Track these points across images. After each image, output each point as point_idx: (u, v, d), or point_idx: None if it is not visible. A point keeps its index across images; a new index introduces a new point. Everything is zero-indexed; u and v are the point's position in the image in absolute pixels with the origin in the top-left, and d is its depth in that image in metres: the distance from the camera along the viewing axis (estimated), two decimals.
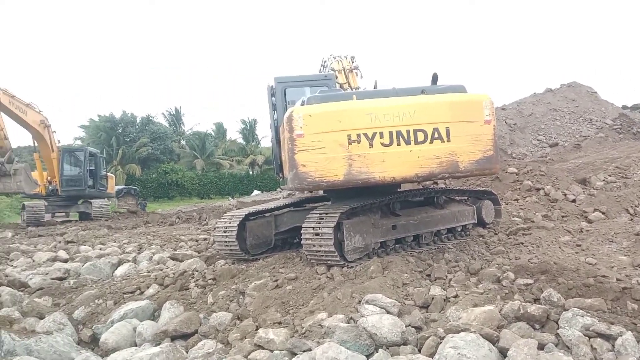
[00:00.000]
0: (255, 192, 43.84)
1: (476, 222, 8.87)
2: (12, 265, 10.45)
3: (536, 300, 5.17)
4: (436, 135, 6.46)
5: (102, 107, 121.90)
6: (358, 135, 6.35)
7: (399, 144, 6.40)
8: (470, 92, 6.95)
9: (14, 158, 19.08)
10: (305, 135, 6.30)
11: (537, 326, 4.60)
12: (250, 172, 54.54)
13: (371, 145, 6.36)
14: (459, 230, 8.56)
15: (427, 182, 11.75)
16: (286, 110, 8.26)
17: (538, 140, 27.43)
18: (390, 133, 6.39)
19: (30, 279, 8.81)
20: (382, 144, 6.38)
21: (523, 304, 4.84)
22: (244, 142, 60.08)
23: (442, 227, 8.13)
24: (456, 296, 5.51)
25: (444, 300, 5.46)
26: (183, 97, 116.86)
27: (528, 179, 13.02)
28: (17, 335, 5.49)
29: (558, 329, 4.44)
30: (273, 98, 9.03)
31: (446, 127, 6.47)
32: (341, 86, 11.25)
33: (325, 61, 12.45)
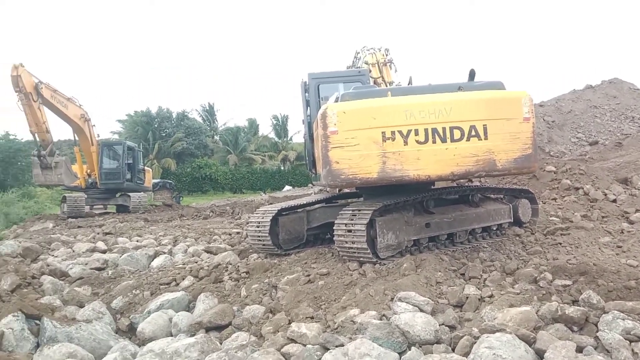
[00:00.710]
0: (287, 187, 44.09)
1: (512, 221, 8.69)
2: (53, 255, 10.83)
3: (575, 302, 5.05)
4: (473, 132, 6.34)
5: (139, 102, 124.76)
6: (393, 133, 6.29)
7: (434, 142, 6.31)
8: (509, 89, 6.81)
9: (55, 151, 19.63)
10: (339, 132, 6.27)
11: (575, 328, 4.49)
12: (282, 168, 54.88)
13: (406, 143, 6.29)
14: (495, 229, 8.41)
15: (462, 180, 11.56)
16: (320, 106, 8.29)
17: (577, 138, 26.64)
18: (426, 130, 6.31)
19: (71, 268, 9.11)
20: (417, 142, 6.30)
21: (561, 305, 4.72)
22: (276, 138, 60.45)
23: (477, 226, 8.00)
24: (491, 296, 5.42)
25: (479, 299, 5.38)
26: (218, 93, 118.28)
27: (567, 178, 12.67)
28: (59, 323, 5.70)
29: (597, 331, 4.32)
30: (306, 94, 9.04)
31: (483, 125, 6.35)
32: (375, 81, 11.09)
33: (359, 53, 12.20)
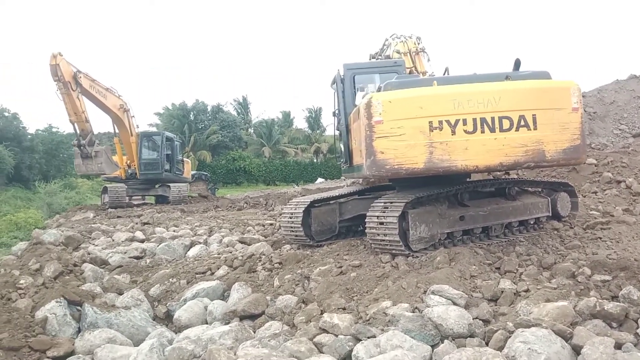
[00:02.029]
0: (320, 179, 44.19)
1: (550, 214, 8.47)
2: (93, 244, 11.19)
3: (614, 298, 4.92)
4: (522, 122, 6.23)
5: (176, 95, 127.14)
6: (440, 122, 6.19)
7: (483, 132, 6.21)
8: (555, 79, 6.66)
9: (95, 141, 19.75)
10: (384, 122, 6.19)
11: (614, 324, 4.38)
12: (315, 160, 55.02)
13: (454, 133, 6.19)
14: (532, 223, 8.21)
15: (498, 173, 11.31)
16: (355, 97, 8.23)
17: (620, 129, 25.68)
18: (474, 120, 6.20)
19: (110, 257, 9.41)
20: (466, 132, 6.20)
21: (599, 301, 4.61)
22: (309, 131, 60.58)
23: (514, 220, 7.84)
24: (527, 290, 5.32)
25: (514, 294, 5.29)
26: (251, 86, 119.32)
27: (608, 171, 12.26)
28: (99, 309, 5.91)
29: (637, 328, 4.22)
30: (341, 85, 8.97)
31: (533, 115, 6.23)
32: (410, 70, 10.87)
33: (387, 40, 11.82)
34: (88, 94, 19.03)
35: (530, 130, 6.23)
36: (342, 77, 8.65)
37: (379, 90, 6.78)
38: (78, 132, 19.12)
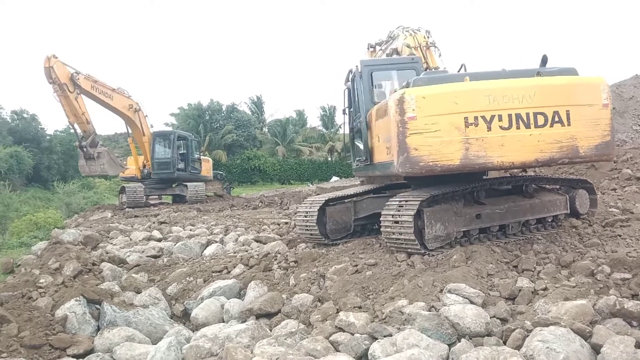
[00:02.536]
0: (334, 178, 44.17)
1: (569, 212, 8.36)
2: (112, 243, 11.34)
3: (634, 296, 4.85)
4: (556, 118, 6.20)
5: (192, 95, 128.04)
6: (475, 118, 6.13)
7: (518, 128, 6.16)
8: (582, 75, 6.66)
9: (98, 142, 19.83)
10: (418, 118, 6.12)
11: (634, 323, 4.30)
12: (329, 159, 54.99)
13: (489, 129, 6.14)
14: (550, 220, 8.12)
15: (515, 170, 11.19)
16: (372, 93, 8.14)
17: (639, 125, 25.27)
18: (510, 116, 6.15)
19: (128, 256, 9.52)
20: (501, 127, 6.15)
21: (619, 299, 4.54)
22: (324, 129, 60.58)
23: (531, 217, 7.76)
24: (545, 289, 5.26)
25: (532, 292, 5.24)
26: (265, 85, 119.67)
27: (627, 167, 12.08)
28: (118, 308, 5.99)
29: None
30: (359, 82, 8.73)
31: (567, 111, 6.20)
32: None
33: (392, 32, 11.49)
34: (91, 95, 18.89)
35: (564, 126, 6.21)
36: (360, 73, 8.50)
37: (407, 86, 6.68)
38: (80, 134, 19.08)
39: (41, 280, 6.90)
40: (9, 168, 30.10)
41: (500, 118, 6.13)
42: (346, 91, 9.40)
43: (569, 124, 6.19)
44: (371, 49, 14.18)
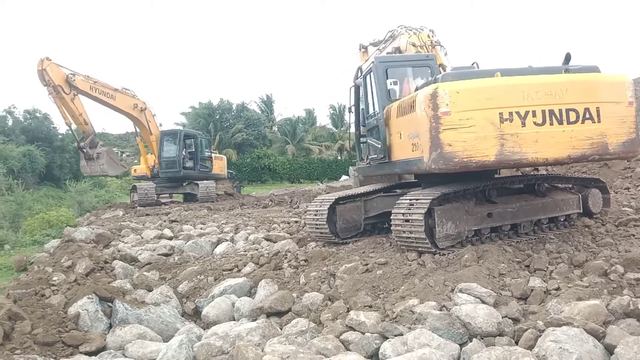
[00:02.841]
0: (344, 177, 44.10)
1: (581, 211, 8.29)
2: (123, 241, 11.43)
3: None
4: (587, 115, 6.21)
5: (202, 94, 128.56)
6: (510, 114, 6.09)
7: (551, 124, 6.15)
8: (604, 73, 6.67)
9: (98, 142, 19.90)
10: (452, 113, 6.05)
11: None
12: (339, 158, 54.94)
13: (524, 125, 6.10)
14: (562, 220, 8.05)
15: (527, 169, 11.09)
16: (387, 90, 8.00)
17: None
18: (543, 112, 6.14)
19: (140, 254, 9.58)
20: (535, 123, 6.13)
21: (633, 299, 4.49)
22: (333, 128, 60.53)
23: (543, 216, 7.70)
24: (558, 289, 5.22)
25: (544, 292, 5.20)
26: (275, 83, 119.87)
27: None
28: (130, 305, 6.03)
29: None
30: (374, 78, 8.43)
31: (597, 108, 6.21)
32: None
33: (392, 31, 11.23)
34: (90, 96, 18.90)
35: (595, 123, 6.22)
36: (375, 70, 8.32)
37: (435, 81, 6.59)
38: (79, 134, 19.18)
39: (54, 278, 6.97)
40: (22, 167, 30.45)
41: (534, 114, 6.11)
42: (353, 89, 9.33)
43: (599, 121, 6.20)
44: (363, 50, 13.89)
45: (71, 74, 18.24)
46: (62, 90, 17.92)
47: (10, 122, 37.77)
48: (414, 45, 10.05)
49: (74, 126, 19.48)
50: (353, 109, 9.44)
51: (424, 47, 10.13)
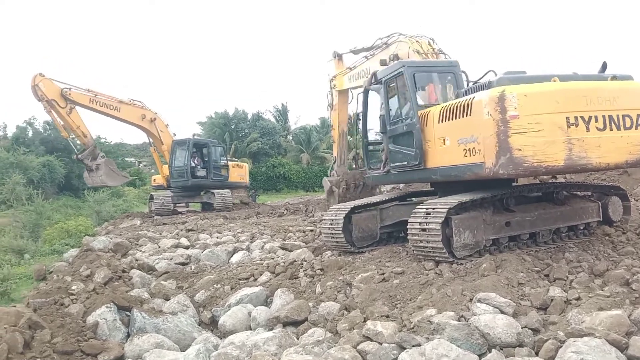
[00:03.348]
0: None
1: (601, 219, 8.15)
2: (141, 251, 11.52)
3: None
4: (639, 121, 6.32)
5: (219, 104, 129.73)
6: (576, 118, 6.10)
7: (611, 129, 6.22)
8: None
9: (99, 153, 20.07)
10: (521, 117, 6.00)
11: None
12: (353, 166, 54.90)
13: (588, 129, 6.13)
14: (582, 228, 7.93)
15: (545, 177, 10.95)
16: (416, 95, 7.85)
17: None
18: (604, 117, 6.20)
19: (157, 263, 9.66)
20: (597, 129, 6.17)
21: None
22: (348, 137, 60.57)
23: (562, 225, 7.58)
24: (578, 298, 5.13)
25: (565, 302, 5.11)
26: (290, 92, 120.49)
27: None
28: (147, 314, 6.07)
29: None
30: (403, 83, 8.14)
31: None
32: None
33: (388, 39, 10.94)
34: (91, 109, 19.13)
35: None
36: (407, 74, 7.99)
37: (490, 86, 6.57)
38: (79, 147, 19.49)
39: (73, 287, 7.04)
40: (42, 177, 30.93)
41: (596, 119, 6.16)
42: (362, 95, 9.21)
43: None
44: (337, 58, 14.16)
45: (66, 88, 18.53)
46: (57, 104, 18.29)
47: (30, 134, 38.45)
48: (417, 52, 9.89)
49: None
50: (361, 115, 9.35)
51: (428, 54, 9.99)
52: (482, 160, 6.40)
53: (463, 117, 6.68)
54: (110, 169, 20.30)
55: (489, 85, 6.57)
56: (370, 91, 9.25)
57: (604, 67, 6.96)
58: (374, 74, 8.99)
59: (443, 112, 7.16)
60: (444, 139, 7.21)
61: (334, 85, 14.40)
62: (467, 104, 6.58)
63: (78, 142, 21.01)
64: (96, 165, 19.64)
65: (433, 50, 10.32)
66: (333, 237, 8.83)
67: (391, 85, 8.49)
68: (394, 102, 8.53)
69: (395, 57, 10.26)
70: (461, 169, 6.84)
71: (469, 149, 6.63)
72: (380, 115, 8.77)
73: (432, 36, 10.58)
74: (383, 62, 10.17)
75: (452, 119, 6.95)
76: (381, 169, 8.95)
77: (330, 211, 9.31)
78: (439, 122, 7.27)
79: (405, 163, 8.00)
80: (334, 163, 14.98)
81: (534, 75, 6.92)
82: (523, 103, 6.00)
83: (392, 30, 12.56)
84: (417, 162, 7.68)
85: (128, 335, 5.85)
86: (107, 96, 19.70)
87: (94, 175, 19.87)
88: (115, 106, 19.81)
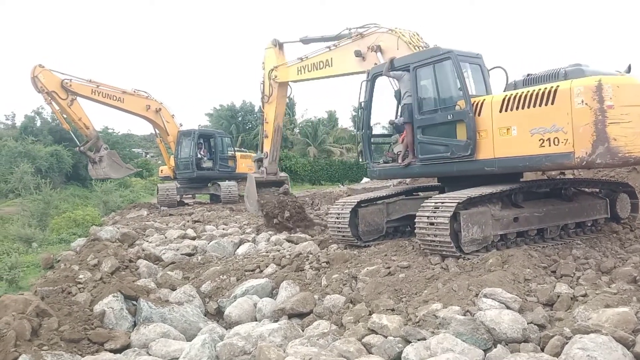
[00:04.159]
0: (365, 179, 43.98)
1: (609, 216, 8.12)
2: (147, 241, 11.58)
3: None
4: None
5: (226, 96, 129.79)
6: None
7: None
8: None
9: (102, 145, 19.97)
10: (615, 107, 6.05)
11: None
12: (360, 160, 54.82)
13: None
14: (589, 225, 7.89)
15: (553, 172, 10.89)
16: (466, 83, 7.53)
17: None
18: None
19: (164, 253, 9.70)
20: None
21: None
22: (355, 130, 60.43)
23: (570, 221, 7.56)
24: (585, 295, 5.11)
25: (571, 298, 5.10)
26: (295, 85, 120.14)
27: None
28: (154, 304, 6.10)
29: None
30: (454, 70, 7.68)
31: None
32: None
33: (361, 31, 10.07)
34: (93, 100, 18.92)
35: None
36: (456, 62, 7.62)
37: (565, 77, 6.61)
38: (79, 138, 19.32)
39: (80, 276, 7.10)
40: (50, 167, 31.06)
41: None
42: (367, 84, 8.84)
43: None
44: (277, 46, 12.93)
45: (67, 79, 18.29)
46: (58, 95, 18.09)
47: (38, 123, 38.58)
48: (409, 44, 9.19)
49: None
50: (363, 104, 8.92)
51: (418, 48, 9.20)
52: (570, 150, 6.27)
53: (540, 106, 6.52)
54: (114, 160, 20.11)
55: (565, 77, 6.57)
56: (375, 80, 8.87)
57: (630, 68, 6.99)
58: (392, 60, 8.56)
59: (507, 101, 6.92)
60: (507, 129, 6.99)
61: (275, 77, 12.96)
62: (548, 93, 6.44)
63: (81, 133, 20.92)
64: (99, 157, 19.55)
65: (425, 44, 9.56)
66: (339, 231, 8.83)
67: (424, 72, 8.07)
68: (426, 90, 8.17)
69: (378, 48, 9.68)
70: (536, 159, 6.65)
71: (549, 139, 6.48)
72: (405, 104, 8.32)
73: (415, 30, 9.84)
74: (358, 53, 9.90)
75: (521, 108, 6.74)
76: (398, 161, 8.56)
77: (337, 205, 9.29)
78: (500, 112, 7.02)
79: (448, 154, 7.61)
80: (264, 159, 13.84)
81: (599, 70, 6.90)
82: (616, 94, 6.05)
83: (363, 22, 11.28)
84: (468, 153, 7.32)
85: (134, 325, 5.89)
86: (110, 87, 19.41)
87: (97, 168, 19.80)
88: (118, 97, 19.46)
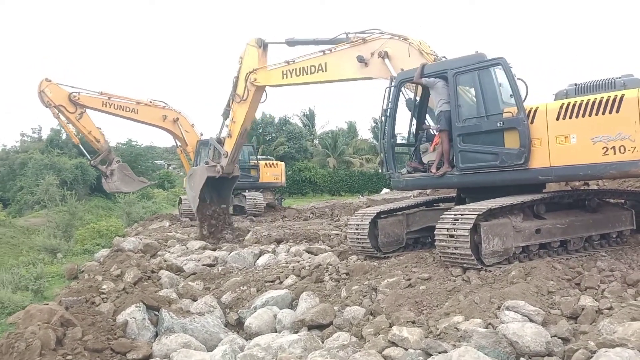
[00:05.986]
0: (385, 190, 43.80)
1: (635, 228, 7.95)
2: (169, 252, 11.71)
3: None
4: None
5: None
6: None
7: None
8: None
9: (113, 158, 19.46)
10: None
11: None
12: (380, 171, 54.65)
13: None
14: (614, 236, 7.73)
15: (577, 183, 10.71)
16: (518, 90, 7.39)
17: None
18: None
19: (185, 264, 9.80)
20: None
21: None
22: (375, 141, 60.38)
23: (594, 233, 7.42)
24: (610, 308, 5.00)
25: (596, 312, 4.99)
26: (317, 95, 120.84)
27: None
28: (175, 314, 6.17)
29: None
30: (504, 75, 7.53)
31: None
32: None
33: (364, 36, 9.74)
34: (105, 112, 18.59)
35: None
36: (507, 67, 7.45)
37: (623, 86, 6.68)
38: (96, 153, 19.12)
39: (103, 286, 7.22)
40: (74, 178, 31.74)
41: None
42: (392, 90, 8.53)
43: None
44: (261, 47, 12.04)
45: (75, 92, 17.94)
46: (66, 109, 17.73)
47: (64, 136, 39.42)
48: (421, 52, 8.96)
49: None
50: (389, 112, 8.60)
51: (430, 55, 9.03)
52: (637, 158, 6.29)
53: (604, 114, 6.51)
54: (125, 174, 19.57)
55: (626, 85, 6.64)
56: (401, 86, 8.62)
57: None
58: (423, 66, 8.27)
59: (565, 108, 6.86)
60: (565, 137, 6.91)
61: (254, 80, 12.09)
62: (612, 101, 6.44)
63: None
64: (110, 170, 19.15)
65: (435, 54, 9.33)
66: (359, 242, 8.81)
67: (467, 79, 7.92)
68: (468, 97, 8.02)
69: (385, 54, 9.37)
70: (599, 168, 6.61)
71: (613, 147, 6.47)
72: (442, 111, 8.06)
73: (422, 36, 9.58)
74: (360, 59, 9.60)
75: (581, 116, 6.69)
76: (431, 171, 8.25)
77: (356, 216, 9.26)
78: (557, 119, 6.94)
79: (497, 163, 7.40)
80: (223, 157, 13.29)
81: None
82: None
83: (364, 27, 10.46)
84: (522, 162, 7.12)
85: (156, 335, 5.96)
86: (122, 98, 18.88)
87: (109, 181, 19.38)
88: (132, 108, 18.83)
